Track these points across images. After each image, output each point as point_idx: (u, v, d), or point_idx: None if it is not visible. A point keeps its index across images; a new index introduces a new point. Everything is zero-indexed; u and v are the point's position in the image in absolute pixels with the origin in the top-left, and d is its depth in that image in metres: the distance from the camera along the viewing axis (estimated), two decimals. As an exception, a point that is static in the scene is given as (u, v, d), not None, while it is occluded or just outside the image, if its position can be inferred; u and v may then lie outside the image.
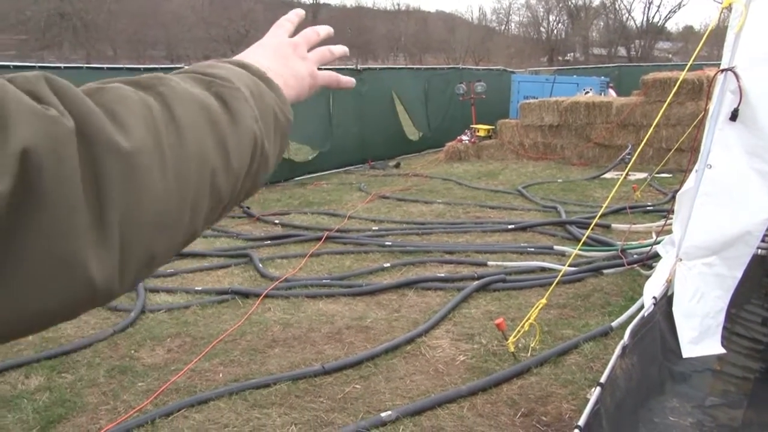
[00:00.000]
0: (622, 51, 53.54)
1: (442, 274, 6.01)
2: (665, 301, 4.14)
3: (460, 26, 59.62)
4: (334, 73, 0.96)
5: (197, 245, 7.62)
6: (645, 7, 57.10)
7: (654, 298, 3.98)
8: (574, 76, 16.97)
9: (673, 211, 4.76)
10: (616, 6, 54.90)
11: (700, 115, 4.79)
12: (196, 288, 5.95)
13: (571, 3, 56.67)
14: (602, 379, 2.99)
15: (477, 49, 53.80)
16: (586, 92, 14.48)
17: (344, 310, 5.31)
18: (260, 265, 6.48)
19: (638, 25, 54.39)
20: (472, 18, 66.07)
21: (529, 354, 4.24)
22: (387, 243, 7.15)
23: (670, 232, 4.91)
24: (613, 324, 4.55)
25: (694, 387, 3.63)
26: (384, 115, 14.62)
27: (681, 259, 4.22)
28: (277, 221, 8.71)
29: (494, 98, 15.99)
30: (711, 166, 4.09)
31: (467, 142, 14.39)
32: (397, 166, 13.98)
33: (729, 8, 4.04)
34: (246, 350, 4.59)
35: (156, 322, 5.17)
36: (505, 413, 3.60)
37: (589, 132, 12.96)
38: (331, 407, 3.75)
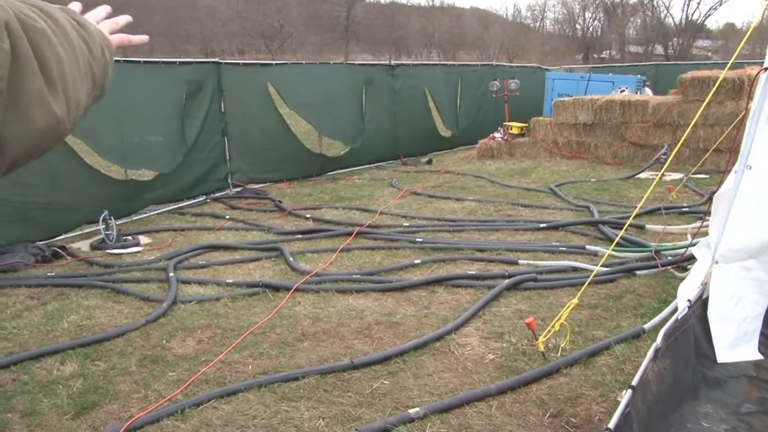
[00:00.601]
0: (660, 49, 52.78)
1: (473, 272, 5.99)
2: (700, 305, 4.07)
3: (495, 23, 59.34)
4: (124, 35, 1.26)
5: (229, 238, 7.70)
6: (684, 4, 56.25)
7: (688, 300, 3.92)
8: (610, 74, 16.73)
9: (709, 213, 4.67)
10: (654, 3, 54.14)
11: (741, 115, 4.70)
12: (228, 280, 6.00)
13: (608, 0, 55.97)
14: (634, 382, 2.95)
15: (511, 46, 53.49)
16: (622, 90, 14.28)
17: (374, 305, 5.31)
18: (291, 258, 6.51)
19: (677, 23, 53.57)
20: (506, 15, 65.71)
21: (559, 354, 4.20)
22: (418, 239, 7.14)
23: (705, 234, 4.82)
24: (646, 326, 4.48)
25: (729, 393, 3.56)
26: (416, 111, 14.58)
27: (717, 262, 4.15)
28: (308, 216, 8.75)
29: (528, 96, 15.86)
30: (751, 167, 4.01)
31: (500, 139, 14.30)
32: (429, 162, 13.95)
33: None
34: (275, 343, 4.62)
35: (187, 313, 5.23)
36: (534, 413, 3.57)
37: (624, 131, 12.79)
38: (359, 402, 3.75)
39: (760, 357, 3.88)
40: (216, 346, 4.60)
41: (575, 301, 4.28)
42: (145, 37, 1.33)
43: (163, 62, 9.87)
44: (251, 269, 6.47)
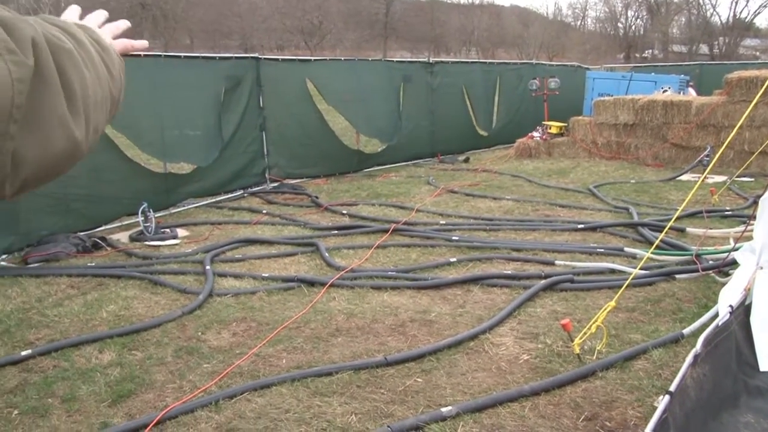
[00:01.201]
0: (704, 48, 51.71)
1: (509, 272, 5.94)
2: (742, 311, 3.97)
3: (535, 21, 58.83)
4: (127, 40, 1.21)
5: (266, 232, 7.76)
6: (732, 2, 55.05)
7: (730, 306, 3.83)
8: (652, 74, 16.45)
9: (754, 217, 4.56)
10: (700, 1, 53.05)
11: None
12: (263, 274, 6.04)
13: (652, -2, 55.07)
14: (672, 388, 2.89)
15: (551, 45, 52.97)
16: (664, 90, 14.04)
17: (408, 303, 5.30)
18: (327, 254, 6.53)
19: (723, 22, 52.40)
20: (547, 13, 65.10)
21: (594, 357, 4.14)
22: (454, 238, 7.10)
23: (749, 238, 4.71)
24: (685, 331, 4.40)
25: (771, 402, 3.47)
26: (454, 109, 14.52)
27: (762, 268, 4.04)
28: (344, 211, 8.77)
29: (567, 95, 15.68)
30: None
31: (538, 138, 14.17)
32: (467, 160, 13.88)
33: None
34: (309, 338, 4.64)
35: (223, 306, 5.28)
36: (568, 416, 3.53)
37: (666, 132, 12.56)
38: (392, 399, 3.75)
39: (804, 366, 3.78)
40: (250, 340, 4.64)
41: (612, 303, 4.22)
42: (145, 42, 1.28)
43: (203, 57, 9.97)
44: (287, 264, 6.51)
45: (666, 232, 5.43)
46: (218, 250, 6.81)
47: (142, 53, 8.60)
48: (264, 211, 8.91)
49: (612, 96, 13.78)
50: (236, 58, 10.60)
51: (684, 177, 10.75)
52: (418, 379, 3.98)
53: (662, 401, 2.80)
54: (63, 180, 7.39)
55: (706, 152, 11.03)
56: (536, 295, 5.28)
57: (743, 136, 11.24)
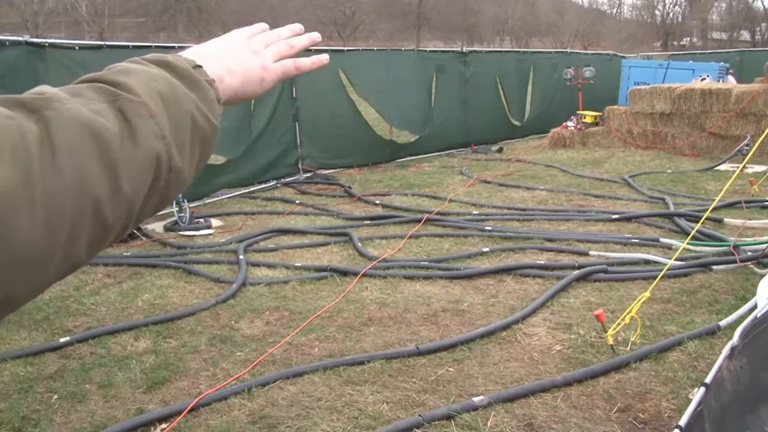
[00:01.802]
0: (746, 35, 50.50)
1: (542, 262, 5.90)
2: (781, 302, 3.89)
3: (570, 9, 58.03)
4: (288, 61, 0.93)
5: (299, 222, 7.81)
6: (774, -12, 53.67)
7: (769, 297, 3.75)
8: (690, 62, 16.12)
9: (794, 207, 4.46)
10: (742, -13, 51.76)
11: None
12: (296, 264, 6.09)
13: (691, -15, 53.97)
14: (707, 380, 2.85)
15: (586, 33, 52.23)
16: (703, 79, 13.75)
17: (441, 292, 5.30)
18: (359, 244, 6.55)
19: (766, 7, 51.09)
20: (582, 1, 64.13)
21: (628, 348, 4.10)
22: (487, 228, 7.07)
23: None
24: (722, 323, 4.32)
25: (811, 395, 3.40)
26: (488, 99, 14.44)
27: (801, 258, 3.96)
28: (377, 202, 8.79)
29: (603, 84, 15.43)
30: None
31: (573, 128, 14.01)
32: (500, 150, 13.79)
33: None
34: (342, 327, 4.66)
35: (256, 295, 5.33)
36: (601, 407, 3.50)
37: (704, 121, 12.31)
38: (424, 388, 3.76)
39: None
40: (283, 328, 4.68)
41: (647, 294, 4.16)
42: (325, 57, 1.01)
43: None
44: (320, 253, 6.55)
45: (703, 223, 5.33)
46: (251, 240, 6.87)
47: (175, 45, 8.69)
48: (297, 201, 8.96)
49: (648, 85, 13.54)
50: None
51: (722, 167, 10.53)
52: (450, 369, 3.98)
53: (697, 393, 2.75)
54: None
55: (745, 141, 10.78)
56: (569, 286, 5.24)
57: (785, 124, 10.97)
